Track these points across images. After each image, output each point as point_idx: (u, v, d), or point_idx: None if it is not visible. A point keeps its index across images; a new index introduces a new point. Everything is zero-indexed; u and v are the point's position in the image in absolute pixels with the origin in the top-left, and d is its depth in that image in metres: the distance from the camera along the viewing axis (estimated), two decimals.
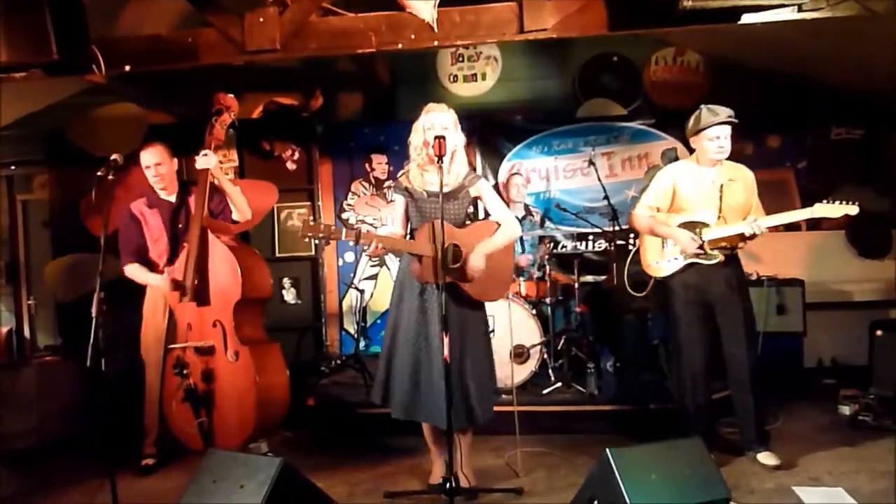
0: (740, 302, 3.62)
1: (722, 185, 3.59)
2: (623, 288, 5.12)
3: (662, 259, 3.69)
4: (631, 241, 5.70)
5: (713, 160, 3.58)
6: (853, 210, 3.37)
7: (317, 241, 3.06)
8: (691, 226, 3.57)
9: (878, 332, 4.58)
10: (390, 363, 3.23)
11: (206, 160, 3.66)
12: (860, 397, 4.34)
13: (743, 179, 3.66)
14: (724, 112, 3.52)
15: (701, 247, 3.52)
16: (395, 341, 3.24)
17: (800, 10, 3.30)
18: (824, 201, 3.42)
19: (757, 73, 5.78)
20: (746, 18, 3.33)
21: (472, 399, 3.14)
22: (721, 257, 3.54)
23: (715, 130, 3.52)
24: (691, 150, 3.76)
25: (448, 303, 3.11)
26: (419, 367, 3.13)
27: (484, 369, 3.24)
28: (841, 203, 3.38)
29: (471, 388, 3.14)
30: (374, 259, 6.33)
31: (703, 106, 3.60)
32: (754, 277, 5.22)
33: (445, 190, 3.12)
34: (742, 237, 3.55)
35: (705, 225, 3.55)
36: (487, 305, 3.40)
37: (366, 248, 3.08)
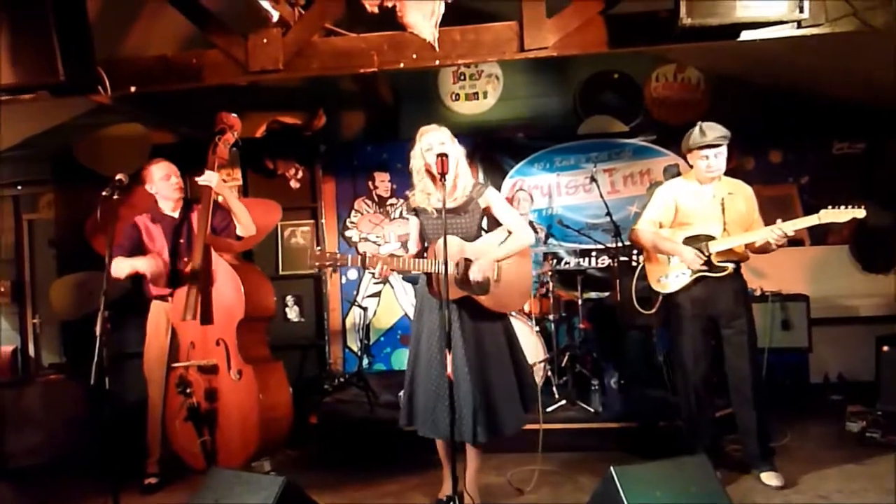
0: (744, 315, 3.60)
1: (723, 199, 3.60)
2: (627, 304, 5.11)
3: (670, 274, 3.67)
4: (634, 256, 5.71)
5: (705, 177, 3.60)
6: (860, 213, 3.33)
7: (326, 269, 3.10)
8: (696, 240, 3.56)
9: (885, 348, 4.55)
10: (413, 382, 3.22)
11: (207, 178, 3.69)
12: (867, 413, 4.30)
13: (742, 193, 3.67)
14: (713, 133, 3.51)
15: (709, 259, 3.51)
16: (417, 358, 3.23)
17: (799, 26, 3.31)
18: (829, 207, 3.39)
19: (758, 88, 5.82)
20: (745, 35, 3.35)
21: (498, 412, 3.12)
22: (730, 269, 3.52)
23: (705, 150, 3.54)
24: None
25: (464, 317, 3.14)
26: (441, 382, 3.10)
27: (510, 381, 3.19)
28: (847, 207, 3.35)
29: (497, 401, 3.12)
30: (377, 277, 6.34)
31: (699, 123, 3.60)
32: (758, 293, 5.20)
33: (454, 205, 3.16)
34: (750, 249, 3.57)
35: (711, 238, 3.55)
36: None
37: (373, 271, 3.11)
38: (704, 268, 3.52)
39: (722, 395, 3.76)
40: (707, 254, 3.51)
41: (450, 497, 2.97)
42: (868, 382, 4.84)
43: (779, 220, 3.44)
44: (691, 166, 3.72)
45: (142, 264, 3.72)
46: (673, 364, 3.76)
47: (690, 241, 3.58)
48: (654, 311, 3.78)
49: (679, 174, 5.67)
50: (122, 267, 3.72)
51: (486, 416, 3.08)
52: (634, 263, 5.69)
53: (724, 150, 3.56)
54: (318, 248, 3.44)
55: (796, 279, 5.56)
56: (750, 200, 3.66)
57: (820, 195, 6.02)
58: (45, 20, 3.17)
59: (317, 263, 3.05)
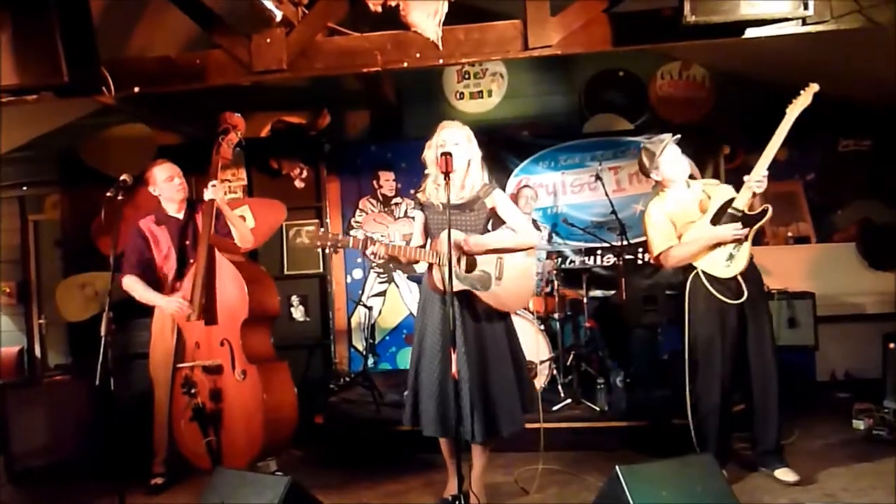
0: (766, 308, 3.59)
1: (703, 190, 3.61)
2: (631, 302, 5.09)
3: (730, 250, 3.47)
4: (640, 255, 5.70)
5: (680, 181, 3.59)
6: (815, 87, 3.36)
7: (326, 250, 3.12)
8: (722, 210, 3.46)
9: (891, 345, 4.52)
10: (417, 381, 3.21)
11: (212, 191, 3.73)
12: (874, 411, 4.29)
13: (715, 184, 3.68)
14: (667, 136, 3.59)
15: (744, 214, 3.41)
16: (420, 356, 3.22)
17: (804, 23, 3.30)
18: (793, 101, 3.40)
19: (763, 86, 5.77)
20: (750, 32, 3.34)
21: (497, 412, 3.11)
22: (770, 211, 3.41)
23: (670, 153, 3.55)
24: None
25: (465, 315, 3.14)
26: (445, 380, 3.09)
27: (509, 381, 3.18)
28: (804, 89, 3.37)
29: (495, 401, 3.11)
30: (382, 276, 6.35)
31: (643, 144, 3.66)
32: (765, 291, 5.18)
33: (460, 202, 3.17)
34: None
35: (732, 200, 3.45)
36: None
37: (373, 257, 3.12)
38: (746, 229, 3.40)
39: (734, 391, 3.71)
40: (740, 211, 3.41)
41: (455, 496, 2.97)
42: (875, 380, 4.80)
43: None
44: (660, 184, 3.68)
45: (159, 301, 3.78)
46: (693, 362, 3.62)
47: (715, 219, 3.48)
48: (743, 300, 3.52)
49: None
50: (136, 291, 3.80)
51: (483, 415, 3.08)
52: (640, 262, 5.70)
53: (678, 149, 3.59)
54: (322, 228, 3.47)
55: (802, 277, 5.54)
56: (725, 188, 3.62)
57: (826, 192, 6.01)
58: (49, 21, 3.18)
59: (318, 242, 3.07)
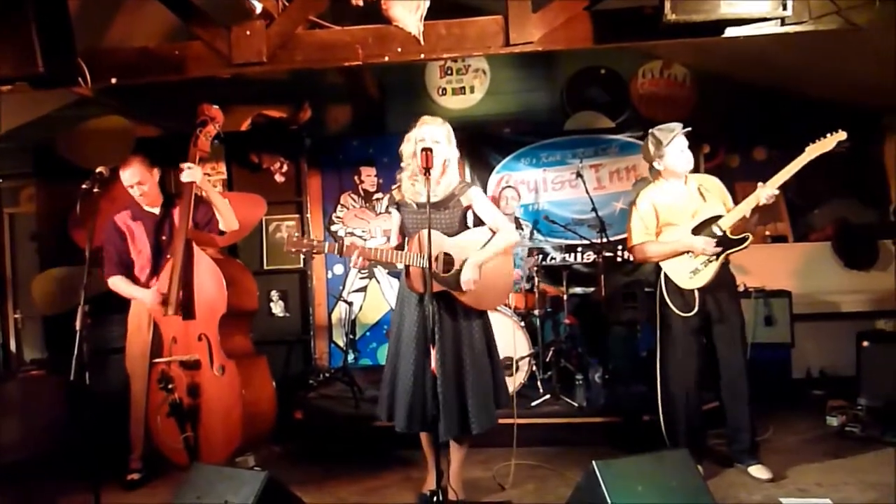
0: (736, 311, 3.62)
1: (699, 188, 3.62)
2: (611, 299, 5.13)
3: (697, 264, 3.52)
4: (619, 252, 5.74)
5: (682, 172, 3.60)
6: (842, 135, 3.37)
7: (302, 255, 3.09)
8: (707, 223, 3.50)
9: (865, 343, 4.60)
10: (394, 377, 3.20)
11: (190, 173, 3.64)
12: (848, 408, 4.36)
13: (713, 183, 3.70)
14: (677, 126, 3.57)
15: (725, 236, 3.45)
16: (397, 352, 3.22)
17: (783, 23, 3.34)
18: (816, 141, 3.42)
19: (743, 86, 5.84)
20: (730, 32, 3.37)
21: (469, 409, 3.11)
22: (751, 238, 3.46)
23: (679, 143, 3.55)
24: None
25: (442, 313, 3.14)
26: (421, 377, 3.09)
27: (485, 379, 3.19)
28: (829, 135, 3.39)
29: (469, 399, 3.12)
30: (363, 271, 6.32)
31: (651, 131, 3.63)
32: (742, 289, 5.24)
33: (435, 199, 3.14)
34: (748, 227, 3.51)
35: (719, 217, 3.49)
36: None
37: (352, 265, 3.11)
38: (719, 249, 3.44)
39: (708, 390, 3.76)
40: (722, 231, 3.45)
41: (433, 492, 2.98)
42: (849, 377, 4.88)
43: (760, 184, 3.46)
44: (659, 173, 3.68)
45: (143, 296, 3.72)
46: (662, 360, 3.67)
47: (700, 228, 3.52)
48: (694, 311, 3.59)
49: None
50: (121, 289, 3.80)
51: (458, 412, 3.09)
52: (619, 259, 5.74)
53: (686, 141, 3.59)
54: (297, 234, 3.45)
55: (779, 275, 5.60)
56: (722, 188, 3.68)
57: (803, 192, 6.08)
58: (25, 10, 3.12)
59: (293, 248, 3.05)
